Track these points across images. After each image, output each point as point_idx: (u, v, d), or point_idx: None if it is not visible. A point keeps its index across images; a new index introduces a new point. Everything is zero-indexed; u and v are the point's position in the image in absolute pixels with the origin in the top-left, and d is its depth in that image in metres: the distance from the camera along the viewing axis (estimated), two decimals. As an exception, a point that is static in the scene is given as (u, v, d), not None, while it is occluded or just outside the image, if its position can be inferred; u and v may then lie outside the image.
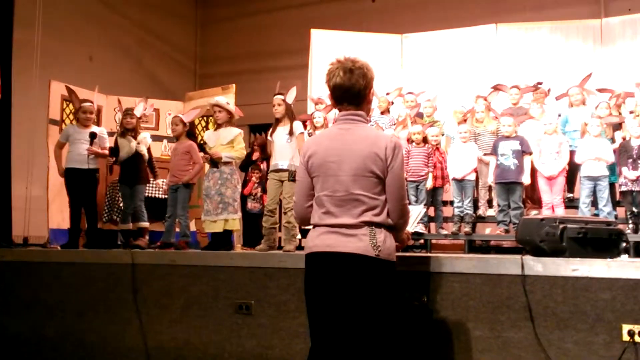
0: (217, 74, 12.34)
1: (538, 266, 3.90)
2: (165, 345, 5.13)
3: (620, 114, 7.16)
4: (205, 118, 8.54)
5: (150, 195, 7.70)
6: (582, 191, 6.67)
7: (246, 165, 7.74)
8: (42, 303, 5.75)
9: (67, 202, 6.92)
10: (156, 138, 8.28)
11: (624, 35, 8.63)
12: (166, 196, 6.91)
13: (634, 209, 6.44)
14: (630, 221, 6.42)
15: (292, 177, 5.92)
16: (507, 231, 6.79)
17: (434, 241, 7.45)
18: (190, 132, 6.92)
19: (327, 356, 3.22)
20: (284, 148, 6.06)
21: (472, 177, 7.16)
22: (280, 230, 6.53)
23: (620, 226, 4.78)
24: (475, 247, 7.32)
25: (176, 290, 5.14)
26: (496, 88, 7.97)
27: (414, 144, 7.27)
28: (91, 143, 6.74)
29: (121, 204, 7.24)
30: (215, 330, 4.92)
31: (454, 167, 7.16)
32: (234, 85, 8.21)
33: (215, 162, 6.27)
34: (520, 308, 3.90)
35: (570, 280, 3.80)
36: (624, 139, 6.83)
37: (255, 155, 7.91)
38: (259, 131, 8.94)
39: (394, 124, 7.91)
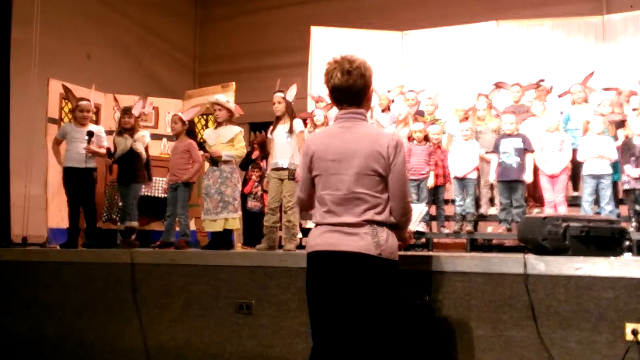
0: (216, 72, 12.33)
1: (540, 265, 3.88)
2: (165, 345, 5.11)
3: (622, 111, 7.13)
4: (205, 116, 8.52)
5: (150, 194, 7.67)
6: (585, 189, 6.64)
7: (246, 163, 7.72)
8: (41, 303, 5.74)
9: (66, 202, 6.89)
10: (155, 137, 8.26)
11: (625, 32, 8.60)
12: (166, 195, 6.87)
13: (637, 207, 6.44)
14: (633, 219, 6.41)
15: (292, 175, 5.90)
16: (509, 230, 6.77)
17: (435, 240, 7.44)
18: (191, 130, 6.88)
19: (329, 356, 3.21)
20: (284, 146, 6.04)
21: (474, 175, 7.12)
22: (280, 230, 6.51)
23: (623, 224, 4.76)
24: (477, 245, 7.30)
25: (176, 290, 5.12)
26: (498, 85, 7.94)
27: (415, 142, 7.24)
28: (88, 142, 6.71)
29: (120, 203, 7.20)
30: (216, 330, 4.90)
31: (456, 165, 7.13)
32: (233, 83, 8.19)
33: (215, 161, 6.25)
34: (523, 307, 3.88)
35: (573, 279, 3.78)
36: (626, 137, 6.80)
37: (255, 154, 7.88)
38: (259, 129, 8.91)
39: (395, 122, 7.88)
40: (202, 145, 6.43)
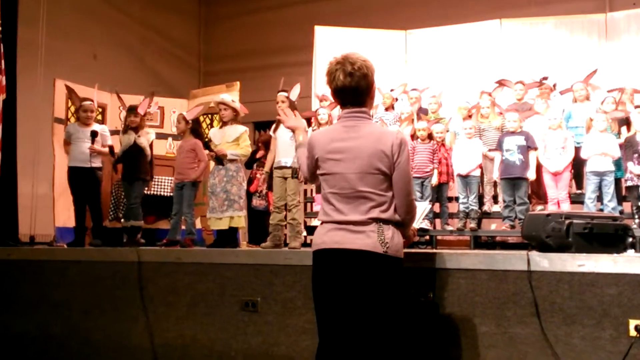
0: (221, 71, 12.34)
1: (544, 262, 3.89)
2: (171, 342, 5.14)
3: (625, 109, 7.14)
4: (210, 116, 8.54)
5: (156, 193, 7.70)
6: (588, 186, 6.66)
7: (251, 162, 7.74)
8: (48, 301, 5.76)
9: (72, 201, 6.93)
10: (161, 136, 8.30)
11: (629, 30, 8.59)
12: (172, 194, 6.90)
13: (640, 204, 6.44)
14: (636, 216, 6.43)
15: (295, 174, 5.93)
16: (512, 227, 6.79)
17: (439, 237, 7.45)
18: (196, 130, 6.90)
19: (335, 352, 3.23)
20: (288, 145, 6.04)
21: (477, 173, 7.15)
22: (285, 228, 6.54)
23: (626, 221, 4.78)
24: (480, 243, 7.33)
25: (182, 288, 5.15)
26: (501, 83, 7.96)
27: (419, 140, 7.27)
28: (92, 141, 6.74)
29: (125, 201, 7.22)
30: (222, 327, 4.92)
31: (459, 163, 7.16)
32: (238, 82, 8.22)
33: (220, 160, 6.27)
34: (527, 304, 3.89)
35: (576, 276, 3.79)
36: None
37: (260, 153, 7.90)
38: (263, 128, 8.97)
39: (398, 120, 7.90)
40: (207, 145, 6.46)
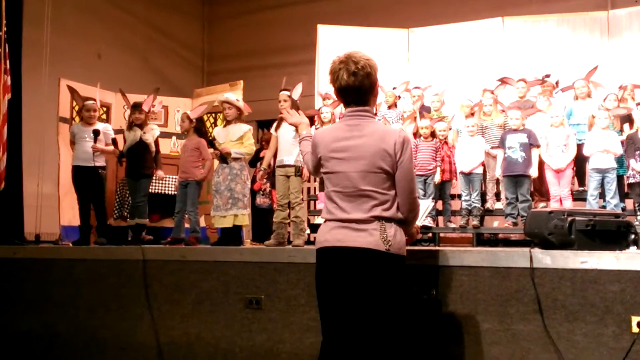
0: (224, 70, 12.37)
1: (547, 259, 3.89)
2: (176, 340, 5.15)
3: (627, 106, 7.15)
4: (213, 114, 8.57)
5: (160, 191, 7.73)
6: (590, 183, 6.68)
7: (254, 161, 7.77)
8: (53, 300, 5.76)
9: (77, 200, 6.96)
10: (165, 135, 8.31)
11: (630, 27, 8.61)
12: (176, 192, 6.93)
13: (642, 201, 6.46)
14: (638, 213, 6.44)
15: (298, 172, 5.96)
16: (515, 224, 6.81)
17: (442, 235, 7.47)
18: (200, 128, 6.93)
19: (339, 350, 3.24)
20: (290, 144, 6.06)
21: (480, 170, 7.17)
22: (289, 225, 6.57)
23: (629, 218, 4.78)
24: (483, 240, 7.34)
25: (187, 286, 5.16)
26: (503, 81, 7.97)
27: (421, 138, 7.29)
28: (95, 140, 6.77)
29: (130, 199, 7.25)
30: (226, 325, 4.94)
31: (462, 160, 7.18)
32: (241, 81, 8.24)
33: (224, 158, 6.30)
34: (529, 301, 3.90)
35: (579, 273, 3.80)
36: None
37: (264, 152, 7.93)
38: (266, 127, 8.97)
39: (401, 118, 7.92)
40: (212, 143, 6.49)
